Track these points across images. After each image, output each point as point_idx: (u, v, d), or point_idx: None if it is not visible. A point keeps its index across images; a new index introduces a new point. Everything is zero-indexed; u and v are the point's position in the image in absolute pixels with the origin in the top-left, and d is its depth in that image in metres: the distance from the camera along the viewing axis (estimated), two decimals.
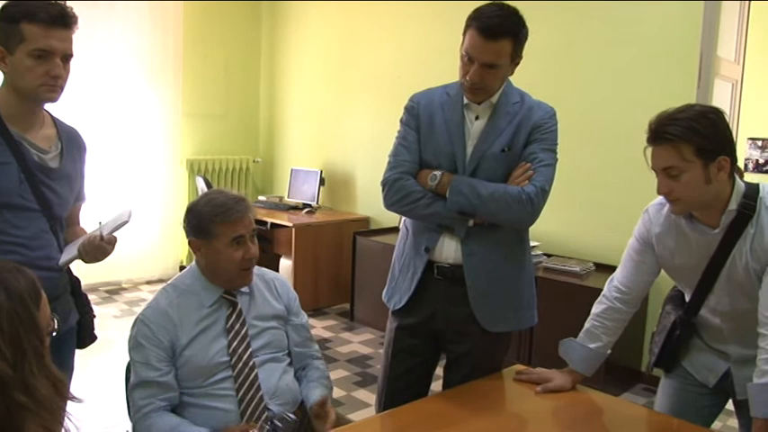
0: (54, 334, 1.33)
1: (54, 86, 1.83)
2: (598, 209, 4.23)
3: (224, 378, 1.93)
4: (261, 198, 6.36)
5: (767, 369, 1.71)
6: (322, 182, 5.97)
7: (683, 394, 2.09)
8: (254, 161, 6.84)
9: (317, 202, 5.96)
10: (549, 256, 4.37)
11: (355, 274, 5.26)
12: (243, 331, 1.98)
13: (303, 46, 6.48)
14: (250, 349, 1.97)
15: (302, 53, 6.50)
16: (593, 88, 4.22)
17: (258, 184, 6.97)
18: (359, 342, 4.81)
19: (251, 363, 1.96)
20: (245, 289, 2.07)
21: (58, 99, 1.90)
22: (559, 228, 4.43)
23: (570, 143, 4.24)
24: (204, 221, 1.95)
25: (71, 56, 1.87)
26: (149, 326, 1.93)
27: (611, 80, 4.12)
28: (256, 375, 1.95)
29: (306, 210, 5.89)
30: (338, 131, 6.11)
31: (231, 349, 1.95)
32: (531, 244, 4.10)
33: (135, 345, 1.93)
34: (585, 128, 4.23)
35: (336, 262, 5.63)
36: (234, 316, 2.00)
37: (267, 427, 1.92)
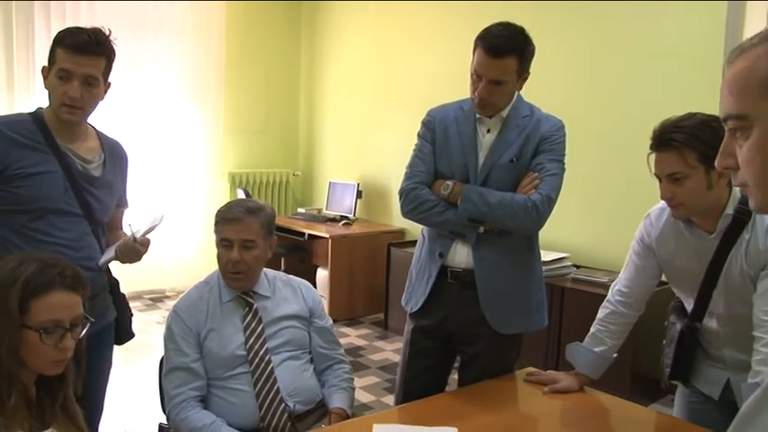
0: (83, 331, 1.50)
1: (72, 108, 2.00)
2: (627, 221, 4.24)
3: (242, 373, 2.07)
4: (300, 210, 6.55)
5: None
6: (359, 194, 6.11)
7: (694, 408, 2.12)
8: (293, 174, 7.04)
9: (354, 215, 6.10)
10: (577, 267, 4.42)
11: (389, 285, 5.38)
12: (259, 329, 2.12)
13: (341, 62, 6.66)
14: (266, 346, 2.11)
15: (340, 69, 6.68)
16: (620, 101, 4.27)
17: (298, 196, 7.16)
18: (391, 350, 4.92)
19: (267, 358, 2.09)
20: (264, 292, 2.21)
21: (81, 120, 2.09)
22: (588, 239, 4.49)
23: (598, 155, 4.35)
24: (215, 218, 2.17)
25: (95, 79, 2.02)
26: (181, 315, 2.13)
27: (637, 93, 4.17)
28: (272, 371, 2.08)
29: (343, 222, 6.04)
30: (375, 146, 6.26)
31: (248, 346, 2.09)
32: (560, 255, 4.26)
33: (168, 333, 2.12)
34: (612, 140, 4.29)
35: (371, 272, 5.76)
36: (250, 315, 2.14)
37: None
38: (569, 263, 4.38)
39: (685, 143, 1.79)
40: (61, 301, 1.46)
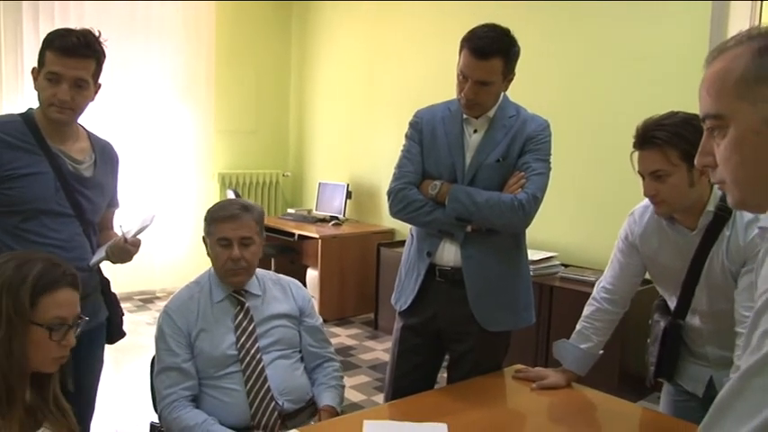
0: (79, 329, 1.53)
1: (61, 109, 2.02)
2: (615, 220, 4.25)
3: (234, 372, 2.09)
4: (290, 211, 6.56)
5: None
6: (349, 195, 6.13)
7: (679, 406, 2.15)
8: (283, 175, 7.05)
9: (344, 215, 6.12)
10: (566, 266, 4.45)
11: (379, 285, 5.39)
12: (250, 328, 2.14)
13: (331, 63, 6.68)
14: (257, 344, 2.13)
15: (330, 70, 6.70)
16: (608, 102, 4.31)
17: (287, 197, 7.18)
18: (381, 350, 4.94)
19: (258, 356, 2.11)
20: (255, 291, 2.23)
21: (71, 120, 2.09)
22: (577, 239, 4.53)
23: (586, 156, 4.39)
24: (207, 219, 2.18)
25: (84, 82, 2.03)
26: (171, 315, 2.14)
27: (625, 93, 4.21)
28: (263, 369, 2.10)
29: (333, 222, 6.05)
30: (365, 146, 6.28)
31: (239, 344, 2.11)
32: (549, 255, 4.30)
33: (159, 333, 2.14)
34: (600, 141, 4.34)
35: (362, 272, 5.77)
36: (242, 314, 2.16)
37: None
38: (557, 262, 4.42)
39: (668, 141, 1.82)
40: (66, 298, 1.50)
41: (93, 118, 2.22)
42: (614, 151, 4.25)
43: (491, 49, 2.07)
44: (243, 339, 2.12)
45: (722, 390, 0.87)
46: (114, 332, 2.35)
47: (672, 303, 2.10)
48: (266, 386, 2.08)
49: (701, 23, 3.81)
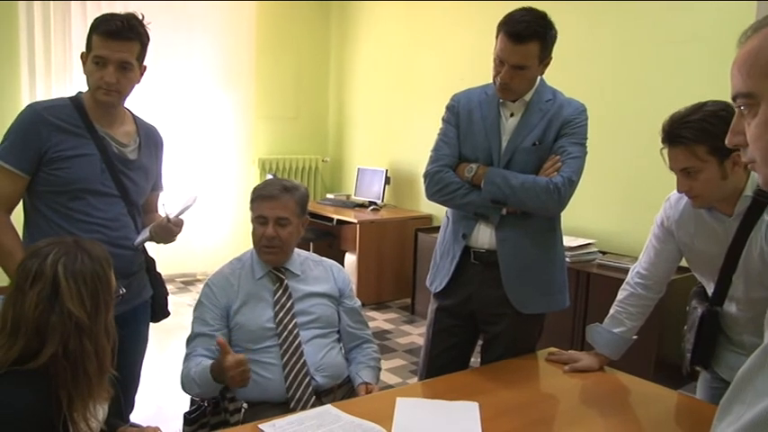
0: (119, 298, 1.61)
1: (108, 91, 2.09)
2: (653, 207, 4.23)
3: (271, 346, 2.15)
4: (329, 196, 6.61)
5: None
6: (387, 181, 6.16)
7: (716, 393, 2.12)
8: (322, 161, 7.11)
9: (383, 200, 6.15)
10: (603, 253, 4.42)
11: (416, 269, 5.42)
12: (288, 304, 2.20)
13: (370, 49, 6.71)
14: (295, 320, 2.19)
15: (370, 56, 6.73)
16: (648, 88, 4.25)
17: (327, 182, 7.24)
18: (417, 334, 4.98)
19: (296, 332, 2.17)
20: (295, 270, 2.28)
21: (118, 103, 2.17)
22: (614, 226, 4.49)
23: (626, 142, 4.35)
24: (251, 196, 2.26)
25: (129, 64, 2.10)
26: (212, 288, 2.22)
27: (666, 79, 4.15)
28: (300, 344, 2.16)
29: (371, 207, 6.09)
30: (403, 132, 6.29)
31: (277, 319, 2.17)
32: (586, 241, 4.28)
33: (197, 304, 2.22)
34: (639, 127, 4.28)
35: (399, 258, 5.81)
36: (280, 290, 2.22)
37: None
38: (595, 249, 4.39)
39: (694, 138, 1.80)
40: None
41: (140, 106, 2.27)
42: (654, 138, 4.16)
43: (527, 33, 2.07)
44: (281, 315, 2.18)
45: (744, 364, 0.87)
46: (159, 311, 2.43)
47: (710, 290, 2.08)
48: (302, 361, 2.14)
49: (748, 8, 3.72)
